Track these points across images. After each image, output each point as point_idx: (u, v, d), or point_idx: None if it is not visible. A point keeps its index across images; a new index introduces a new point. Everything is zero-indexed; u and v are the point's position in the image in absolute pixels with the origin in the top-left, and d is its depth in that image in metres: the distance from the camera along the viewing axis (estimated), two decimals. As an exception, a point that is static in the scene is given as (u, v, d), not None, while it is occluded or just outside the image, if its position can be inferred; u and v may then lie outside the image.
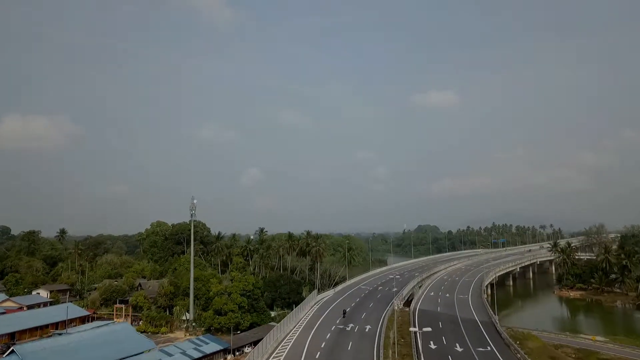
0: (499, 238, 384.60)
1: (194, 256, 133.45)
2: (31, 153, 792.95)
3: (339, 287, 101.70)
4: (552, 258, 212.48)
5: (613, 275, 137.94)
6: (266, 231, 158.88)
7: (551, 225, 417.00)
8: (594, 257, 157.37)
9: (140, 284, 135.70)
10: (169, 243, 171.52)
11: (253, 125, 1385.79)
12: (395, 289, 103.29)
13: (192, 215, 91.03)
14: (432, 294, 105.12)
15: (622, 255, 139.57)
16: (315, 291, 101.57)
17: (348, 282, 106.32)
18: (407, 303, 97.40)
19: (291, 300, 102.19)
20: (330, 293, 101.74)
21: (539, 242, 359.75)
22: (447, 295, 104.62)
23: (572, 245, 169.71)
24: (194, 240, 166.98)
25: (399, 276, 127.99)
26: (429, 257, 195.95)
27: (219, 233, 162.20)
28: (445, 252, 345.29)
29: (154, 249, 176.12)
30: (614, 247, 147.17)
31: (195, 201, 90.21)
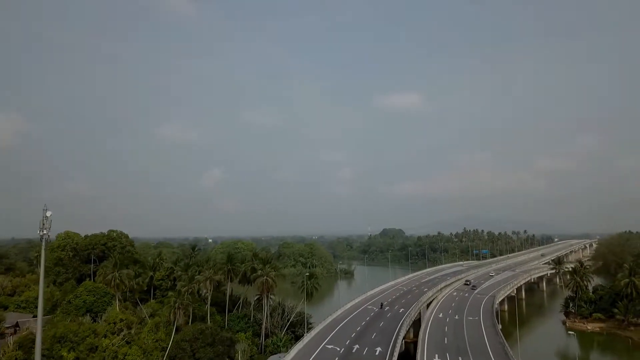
0: (469, 243, 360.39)
1: (101, 282, 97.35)
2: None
3: (294, 351, 64.06)
4: (544, 274, 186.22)
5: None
6: (199, 249, 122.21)
7: (525, 231, 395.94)
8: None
9: (17, 324, 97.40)
10: (76, 261, 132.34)
11: (216, 125, 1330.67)
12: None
13: (41, 233, 53.67)
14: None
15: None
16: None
17: (306, 339, 70.00)
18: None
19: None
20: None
21: (518, 249, 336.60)
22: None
23: (584, 264, 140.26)
24: (105, 258, 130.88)
25: (385, 308, 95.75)
26: (408, 275, 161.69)
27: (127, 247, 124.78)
28: (417, 260, 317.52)
29: (59, 267, 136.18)
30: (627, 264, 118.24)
31: (49, 213, 53.14)
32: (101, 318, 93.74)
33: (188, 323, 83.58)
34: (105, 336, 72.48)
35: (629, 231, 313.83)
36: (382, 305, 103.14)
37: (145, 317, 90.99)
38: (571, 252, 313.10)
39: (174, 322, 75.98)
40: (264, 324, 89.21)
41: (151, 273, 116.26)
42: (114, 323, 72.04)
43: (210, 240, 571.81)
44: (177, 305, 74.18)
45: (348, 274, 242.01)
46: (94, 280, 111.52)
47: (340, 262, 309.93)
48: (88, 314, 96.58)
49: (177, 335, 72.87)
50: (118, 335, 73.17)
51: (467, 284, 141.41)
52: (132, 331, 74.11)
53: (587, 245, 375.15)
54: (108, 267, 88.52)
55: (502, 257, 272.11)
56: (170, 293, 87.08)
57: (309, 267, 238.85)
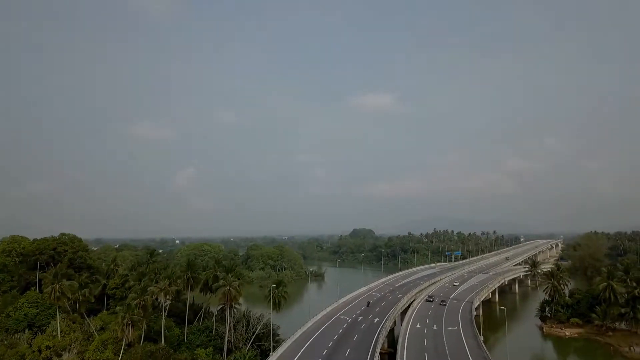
0: (439, 244, 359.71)
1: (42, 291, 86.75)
2: None
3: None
4: (516, 276, 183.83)
5: (623, 310, 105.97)
6: (158, 254, 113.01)
7: (494, 232, 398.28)
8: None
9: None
10: (22, 268, 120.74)
11: (190, 125, 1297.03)
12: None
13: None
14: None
15: (630, 282, 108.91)
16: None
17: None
18: None
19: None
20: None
21: (488, 250, 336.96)
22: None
23: (560, 266, 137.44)
24: (59, 262, 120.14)
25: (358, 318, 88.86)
26: (381, 280, 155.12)
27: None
28: (388, 261, 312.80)
29: (3, 274, 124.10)
30: (619, 272, 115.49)
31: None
32: (44, 333, 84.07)
33: (141, 338, 74.98)
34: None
35: (595, 231, 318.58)
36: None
37: (94, 332, 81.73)
38: (539, 252, 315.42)
39: (123, 339, 67.30)
40: (227, 337, 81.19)
41: (104, 281, 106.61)
42: (39, 351, 62.49)
43: (177, 242, 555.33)
44: (126, 320, 65.46)
45: (318, 277, 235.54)
46: (40, 290, 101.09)
47: (311, 265, 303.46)
48: (28, 329, 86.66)
49: (126, 355, 64.27)
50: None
51: (430, 301, 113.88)
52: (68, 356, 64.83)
53: (554, 245, 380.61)
54: (48, 277, 78.53)
55: (475, 257, 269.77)
56: (118, 307, 77.89)
57: (279, 270, 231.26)
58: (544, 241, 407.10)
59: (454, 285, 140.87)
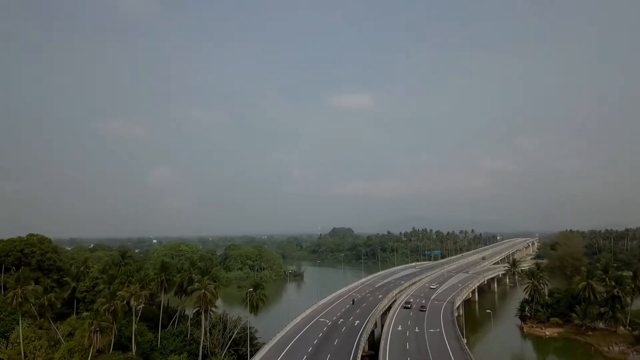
0: (418, 243, 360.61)
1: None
2: None
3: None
4: (496, 275, 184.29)
5: (602, 309, 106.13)
6: (130, 256, 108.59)
7: (472, 231, 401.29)
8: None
9: None
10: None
11: (165, 123, 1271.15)
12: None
13: None
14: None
15: (609, 281, 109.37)
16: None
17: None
18: None
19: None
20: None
21: (466, 249, 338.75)
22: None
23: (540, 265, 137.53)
24: (25, 265, 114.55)
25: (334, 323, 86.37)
26: (361, 280, 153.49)
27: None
28: (367, 260, 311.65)
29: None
30: (599, 271, 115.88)
31: None
32: (8, 340, 79.47)
33: (110, 345, 71.18)
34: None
35: (570, 230, 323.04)
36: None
37: (60, 338, 77.44)
38: (517, 250, 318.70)
39: (91, 347, 63.50)
40: (202, 342, 77.89)
41: (74, 284, 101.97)
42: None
43: (154, 241, 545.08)
44: (93, 327, 61.70)
45: (298, 277, 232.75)
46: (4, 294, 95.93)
47: (290, 265, 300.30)
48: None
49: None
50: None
51: (407, 307, 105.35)
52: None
53: (530, 244, 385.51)
54: (10, 282, 73.99)
55: (454, 257, 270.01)
56: (85, 313, 73.83)
57: (258, 270, 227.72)
58: (520, 239, 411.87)
59: (432, 288, 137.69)
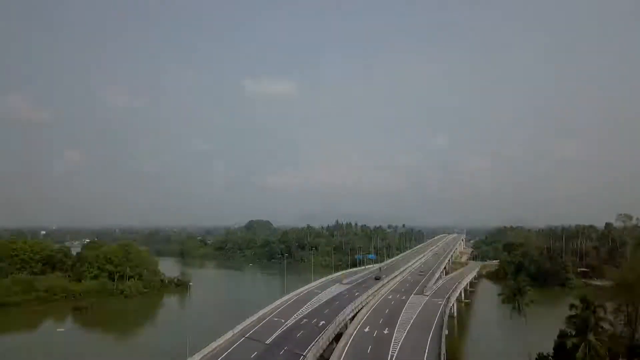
0: (342, 239, 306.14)
1: None
2: None
3: None
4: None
5: None
6: None
7: (403, 225, 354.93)
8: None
9: None
10: None
11: (71, 105, 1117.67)
12: None
13: None
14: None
15: None
16: None
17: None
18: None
19: None
20: None
21: (396, 247, 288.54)
22: None
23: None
24: None
25: None
26: (273, 304, 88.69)
27: None
28: (280, 260, 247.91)
29: None
30: None
31: None
32: None
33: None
34: None
35: (520, 227, 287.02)
36: None
37: None
38: (455, 248, 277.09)
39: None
40: None
41: None
42: None
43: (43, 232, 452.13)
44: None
45: (181, 286, 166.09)
46: None
47: (192, 265, 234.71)
48: None
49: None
50: None
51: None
52: None
53: (462, 240, 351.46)
54: None
55: (392, 259, 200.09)
56: None
57: (120, 277, 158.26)
58: (453, 235, 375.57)
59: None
